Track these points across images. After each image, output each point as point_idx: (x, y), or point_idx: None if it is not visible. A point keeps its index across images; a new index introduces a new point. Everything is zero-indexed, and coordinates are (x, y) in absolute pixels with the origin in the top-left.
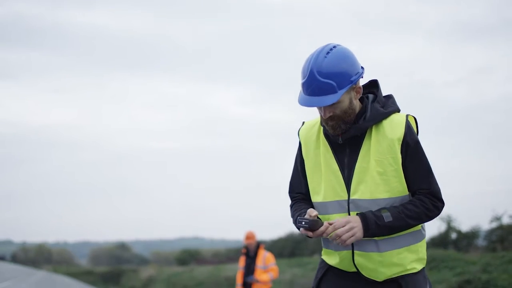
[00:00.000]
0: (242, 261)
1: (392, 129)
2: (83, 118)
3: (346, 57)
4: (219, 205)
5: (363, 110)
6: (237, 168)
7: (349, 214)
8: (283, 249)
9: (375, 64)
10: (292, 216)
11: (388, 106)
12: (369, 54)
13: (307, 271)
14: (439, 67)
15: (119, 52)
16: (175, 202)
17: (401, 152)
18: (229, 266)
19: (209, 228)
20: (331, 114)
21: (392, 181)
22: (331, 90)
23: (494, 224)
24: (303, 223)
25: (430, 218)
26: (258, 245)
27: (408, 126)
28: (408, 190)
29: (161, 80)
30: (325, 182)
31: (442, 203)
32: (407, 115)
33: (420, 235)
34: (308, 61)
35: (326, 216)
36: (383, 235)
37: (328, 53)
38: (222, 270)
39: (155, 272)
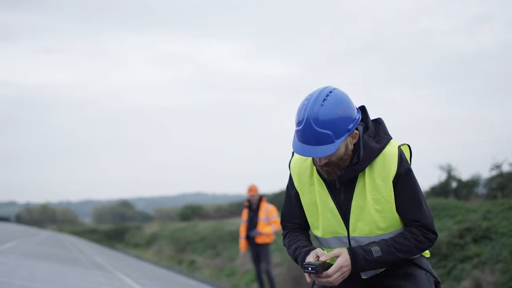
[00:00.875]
0: (245, 214)
1: (384, 166)
2: (82, 77)
3: (343, 103)
4: (220, 160)
5: (356, 147)
6: (237, 122)
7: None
8: None
9: (377, 15)
10: (288, 246)
11: (380, 136)
12: (370, 6)
13: None
14: (439, 16)
15: (115, 9)
16: (176, 159)
17: (393, 185)
18: (232, 220)
19: (210, 183)
20: (326, 161)
21: (390, 218)
22: (328, 140)
23: (494, 172)
24: (310, 268)
25: (421, 250)
26: (261, 198)
27: (400, 158)
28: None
29: (158, 36)
30: (322, 220)
31: (434, 235)
32: (399, 146)
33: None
34: (304, 108)
35: (327, 249)
36: (372, 269)
37: (324, 100)
38: (225, 225)
39: (158, 229)
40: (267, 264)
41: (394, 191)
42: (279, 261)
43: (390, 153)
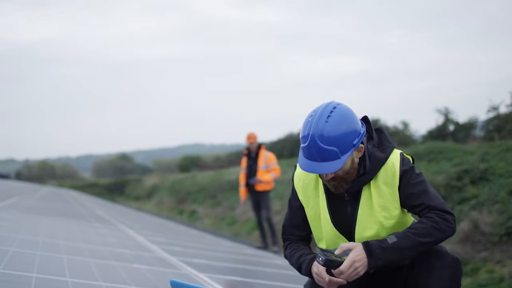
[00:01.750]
0: (244, 162)
1: (387, 171)
2: (73, 31)
3: (347, 119)
4: (217, 110)
5: (361, 158)
6: (232, 71)
7: None
8: (283, 149)
9: None
10: (291, 256)
11: (383, 145)
12: None
13: None
14: None
15: None
16: (173, 110)
17: (399, 184)
18: (231, 170)
19: (208, 133)
20: (332, 176)
21: (400, 223)
22: (334, 156)
23: (491, 114)
24: (320, 259)
25: (441, 232)
26: (260, 146)
27: (402, 160)
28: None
29: None
30: (325, 232)
31: (449, 214)
32: (401, 153)
33: None
34: (309, 125)
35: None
36: (391, 261)
37: (328, 116)
38: (224, 174)
39: (158, 180)
40: (267, 211)
41: (400, 190)
42: (279, 208)
43: (392, 159)
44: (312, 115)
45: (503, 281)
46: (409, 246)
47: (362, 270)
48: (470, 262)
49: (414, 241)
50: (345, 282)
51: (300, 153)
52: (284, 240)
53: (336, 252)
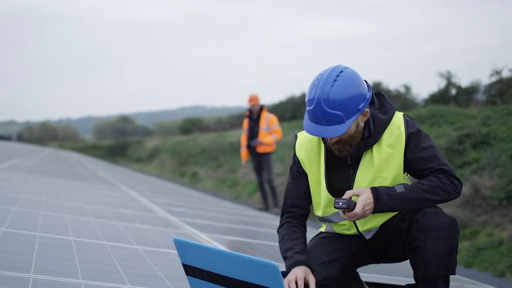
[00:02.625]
0: (245, 124)
1: (392, 134)
2: None
3: (353, 83)
4: (218, 72)
5: (365, 121)
6: (233, 33)
7: (354, 222)
8: (284, 112)
9: None
10: (282, 239)
11: (385, 108)
12: None
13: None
14: None
15: None
16: (174, 73)
17: (405, 148)
18: (232, 132)
19: (210, 96)
20: (337, 139)
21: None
22: (339, 121)
23: (494, 78)
24: (341, 203)
25: (447, 193)
26: (261, 107)
27: (406, 122)
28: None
29: None
30: (322, 198)
31: (458, 181)
32: (404, 115)
33: None
34: (314, 88)
35: (333, 224)
36: (396, 208)
37: (335, 80)
38: (225, 137)
39: (159, 143)
40: (268, 173)
41: (406, 153)
42: (281, 171)
43: (396, 120)
44: (318, 79)
45: (502, 244)
46: (415, 199)
47: (369, 214)
48: (469, 225)
49: (420, 195)
50: None
51: (306, 116)
52: (284, 212)
53: (345, 196)
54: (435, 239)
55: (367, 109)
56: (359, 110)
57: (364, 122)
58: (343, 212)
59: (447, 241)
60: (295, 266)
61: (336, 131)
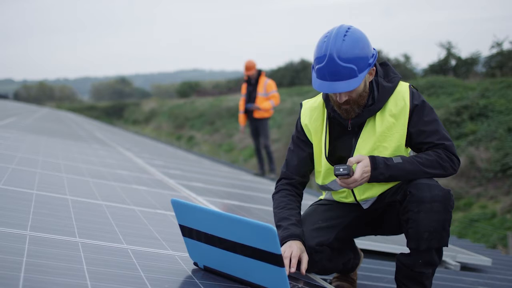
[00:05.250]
0: (244, 89)
1: (396, 103)
2: None
3: (362, 39)
4: (217, 36)
5: (369, 88)
6: None
7: (352, 191)
8: (282, 78)
9: None
10: (277, 207)
11: (389, 76)
12: None
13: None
14: None
15: None
16: (173, 35)
17: (409, 119)
18: (230, 97)
19: (208, 59)
20: (347, 98)
21: (395, 156)
22: (352, 75)
23: (494, 50)
24: (342, 170)
25: (443, 169)
26: (260, 72)
27: (412, 93)
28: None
29: None
30: (322, 166)
31: (456, 158)
32: (410, 85)
33: None
34: (325, 45)
35: (332, 192)
36: (392, 177)
37: (345, 35)
38: (223, 101)
39: (156, 105)
40: (265, 139)
41: (410, 125)
42: (277, 137)
43: (401, 90)
44: (327, 36)
45: (495, 216)
46: (411, 171)
47: (365, 181)
48: (463, 197)
49: (417, 168)
50: None
51: (314, 76)
52: (282, 177)
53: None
54: (428, 212)
55: (374, 68)
56: (369, 64)
57: (368, 89)
58: (340, 179)
59: (440, 214)
60: (289, 238)
61: (349, 86)
